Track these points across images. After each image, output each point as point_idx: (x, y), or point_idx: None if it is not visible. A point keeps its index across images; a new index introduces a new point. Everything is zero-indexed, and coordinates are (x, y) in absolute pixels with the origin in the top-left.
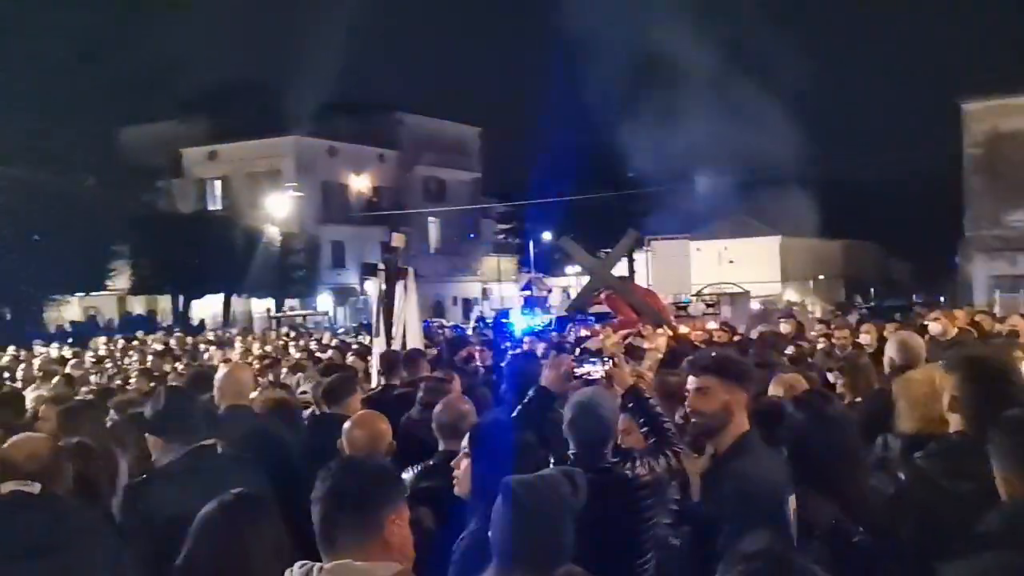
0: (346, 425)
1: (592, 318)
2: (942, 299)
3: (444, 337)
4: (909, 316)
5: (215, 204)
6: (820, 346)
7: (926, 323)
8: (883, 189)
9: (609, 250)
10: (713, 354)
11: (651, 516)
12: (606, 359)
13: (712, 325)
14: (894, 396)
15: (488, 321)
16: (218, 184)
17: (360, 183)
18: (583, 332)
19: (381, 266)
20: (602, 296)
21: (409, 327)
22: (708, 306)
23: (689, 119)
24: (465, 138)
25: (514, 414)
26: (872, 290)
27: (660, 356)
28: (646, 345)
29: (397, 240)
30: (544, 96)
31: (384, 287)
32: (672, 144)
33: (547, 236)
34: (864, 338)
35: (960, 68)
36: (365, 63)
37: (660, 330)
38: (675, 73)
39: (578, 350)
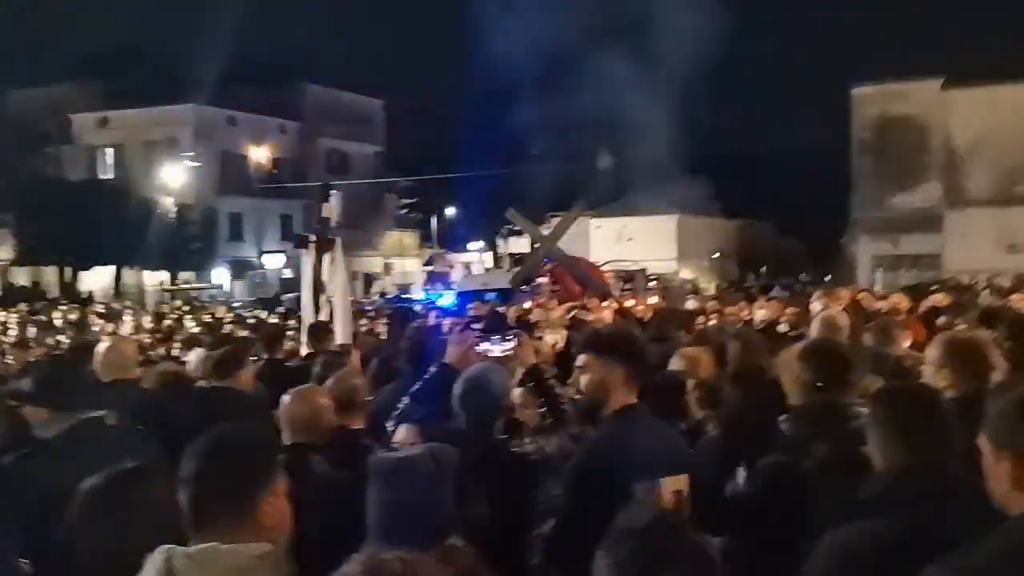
0: (285, 400)
1: (533, 292)
2: (828, 278)
3: (388, 311)
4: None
5: (107, 173)
6: (712, 322)
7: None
8: (778, 170)
9: (511, 226)
10: (592, 331)
11: (539, 493)
12: (509, 337)
13: (653, 299)
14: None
15: (389, 297)
16: (110, 152)
17: (260, 154)
18: (526, 305)
19: (313, 238)
20: (546, 268)
21: (336, 299)
22: (651, 280)
23: (590, 98)
24: (369, 110)
25: (414, 389)
26: (764, 268)
27: (564, 334)
28: (591, 318)
29: (327, 211)
30: (449, 71)
31: (313, 259)
32: (572, 122)
33: (451, 211)
34: (760, 314)
35: (852, 54)
36: (267, 31)
37: (605, 303)
38: (577, 52)
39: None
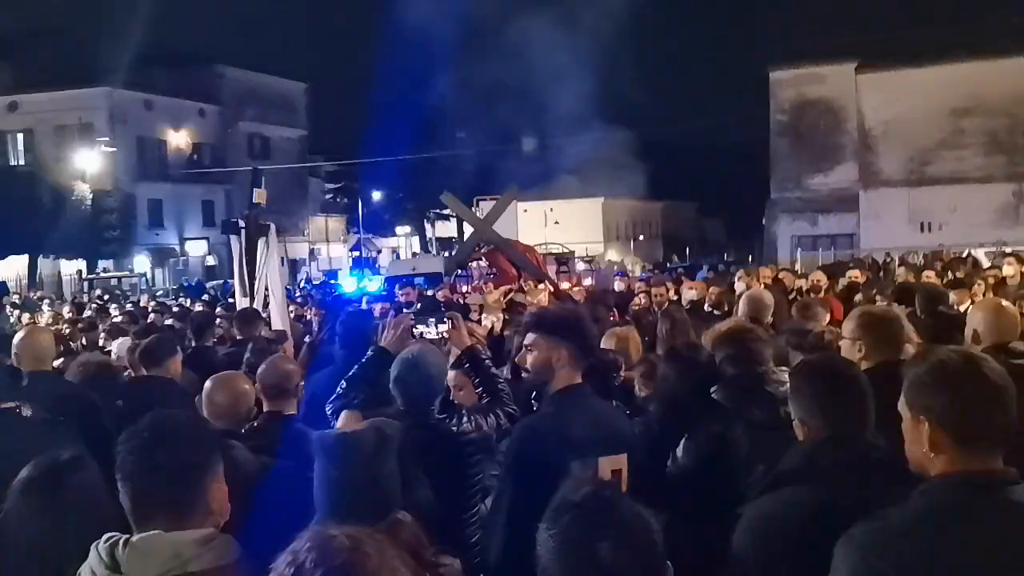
0: (207, 386)
1: (468, 275)
2: (751, 258)
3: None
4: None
5: (18, 159)
6: (640, 302)
7: (733, 281)
8: (700, 153)
9: (438, 211)
10: (539, 311)
11: (477, 472)
12: (445, 319)
13: (589, 281)
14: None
15: (316, 282)
16: (20, 137)
17: (179, 139)
18: (464, 288)
19: (242, 224)
20: (482, 251)
21: (271, 286)
22: (586, 262)
23: (514, 82)
24: (291, 94)
25: (351, 374)
26: (688, 249)
27: (501, 317)
28: (527, 300)
29: (259, 196)
30: (373, 53)
31: (245, 245)
32: (498, 106)
33: (376, 196)
34: (689, 294)
35: (770, 38)
36: (185, 13)
37: (541, 286)
38: (502, 37)
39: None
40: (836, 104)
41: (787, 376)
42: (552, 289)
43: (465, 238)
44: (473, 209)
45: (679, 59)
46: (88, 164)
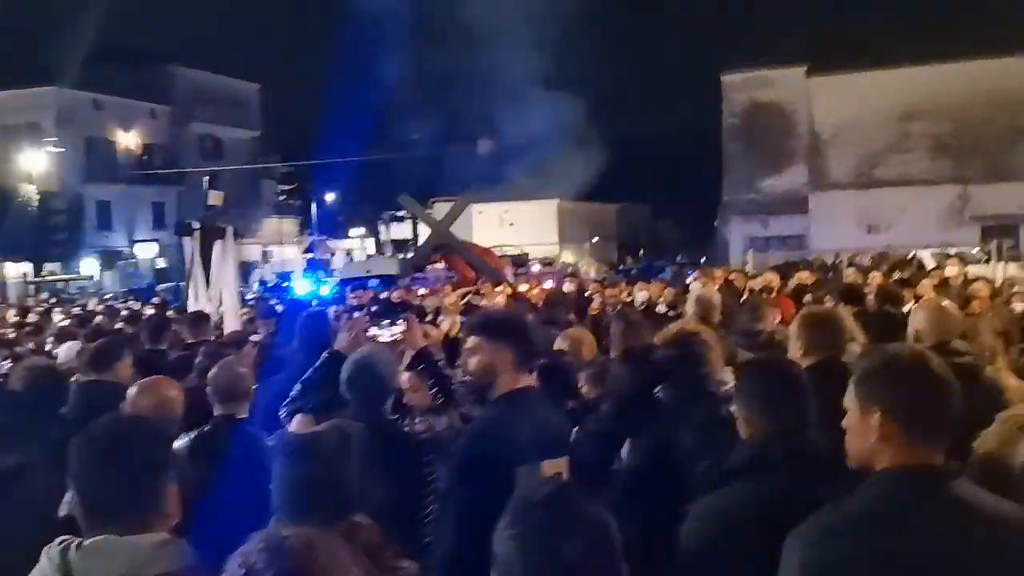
0: (131, 392)
1: (430, 277)
2: (704, 259)
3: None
4: (675, 276)
5: None
6: (596, 305)
7: (687, 282)
8: (652, 155)
9: (393, 212)
10: (482, 314)
11: (430, 472)
12: (398, 321)
13: (549, 283)
14: None
15: (269, 284)
16: None
17: (129, 139)
18: (421, 291)
19: (196, 225)
20: (440, 254)
21: (225, 289)
22: (545, 265)
23: (470, 83)
24: (243, 94)
25: (305, 377)
26: (642, 251)
27: (458, 319)
28: (484, 303)
29: (215, 198)
30: (326, 53)
31: (199, 247)
32: (453, 107)
33: (330, 197)
34: (641, 295)
35: (722, 42)
36: (136, 12)
37: (499, 288)
38: (456, 37)
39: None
40: (787, 107)
41: (730, 376)
42: (510, 292)
43: (420, 240)
44: (428, 211)
45: (633, 62)
46: (35, 165)
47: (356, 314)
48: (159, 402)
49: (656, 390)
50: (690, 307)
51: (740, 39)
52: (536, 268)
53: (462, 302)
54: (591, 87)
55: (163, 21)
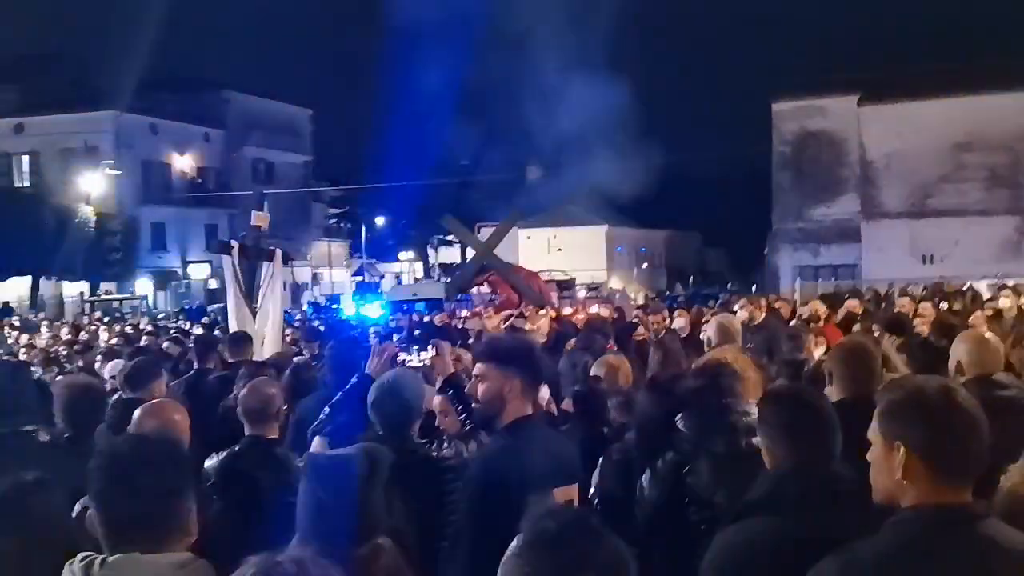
0: (136, 414)
1: (469, 300)
2: (754, 288)
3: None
4: (718, 304)
5: (23, 180)
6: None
7: (734, 309)
8: (703, 182)
9: (442, 236)
10: (490, 340)
11: (455, 498)
12: (429, 347)
13: (595, 308)
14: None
15: (321, 305)
16: (26, 159)
17: (184, 163)
18: (464, 313)
19: (233, 243)
20: (484, 276)
21: (272, 311)
22: (591, 290)
23: (521, 109)
24: (296, 119)
25: (334, 400)
26: (691, 278)
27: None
28: (528, 327)
29: (259, 219)
30: (377, 80)
31: (237, 266)
32: (502, 133)
33: (380, 221)
34: (678, 322)
35: (773, 70)
36: (191, 38)
37: (543, 311)
38: (507, 63)
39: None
40: (838, 136)
41: (753, 407)
42: (554, 315)
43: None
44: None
45: (684, 90)
46: (92, 187)
47: (396, 336)
48: (163, 424)
49: (677, 419)
50: (710, 330)
51: (791, 68)
52: (582, 293)
53: (504, 325)
54: (642, 114)
55: (219, 48)
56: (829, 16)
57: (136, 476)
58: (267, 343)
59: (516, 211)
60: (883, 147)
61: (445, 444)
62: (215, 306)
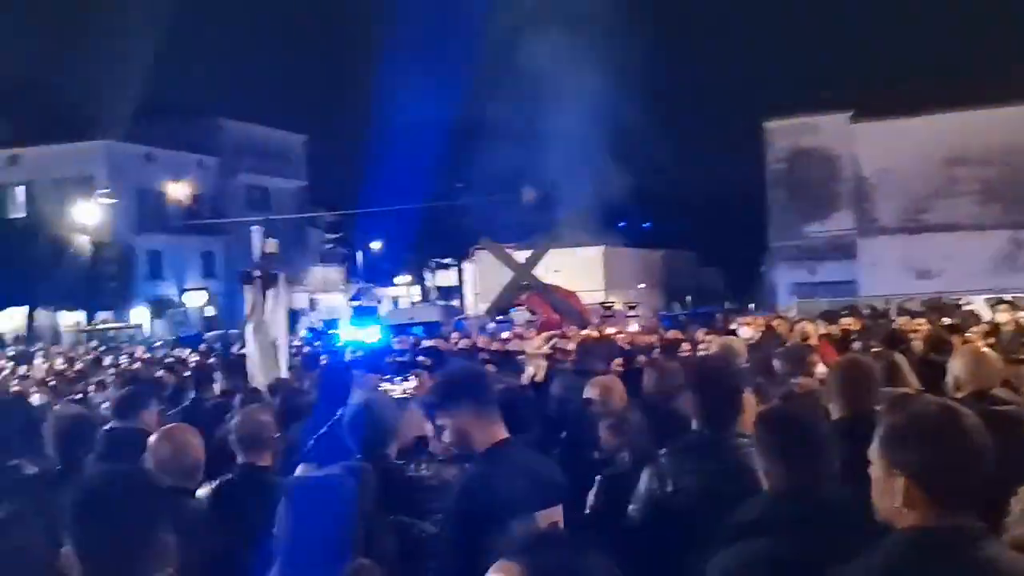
0: (151, 439)
1: (510, 322)
2: (752, 306)
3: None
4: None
5: (17, 211)
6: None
7: (733, 328)
8: (698, 201)
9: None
10: (431, 387)
11: (436, 518)
12: (409, 376)
13: (633, 327)
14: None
15: (318, 330)
16: (21, 190)
17: (178, 190)
18: (504, 335)
19: (258, 273)
20: (523, 297)
21: (278, 336)
22: (631, 308)
23: (513, 132)
24: (289, 145)
25: (321, 432)
26: (688, 297)
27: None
28: (570, 346)
29: (270, 246)
30: (370, 105)
31: (259, 295)
32: (495, 156)
33: (376, 245)
34: (744, 331)
35: (765, 89)
36: (183, 66)
37: (584, 331)
38: (498, 86)
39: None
40: (832, 153)
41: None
42: (598, 334)
43: (467, 287)
44: (472, 259)
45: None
46: (87, 216)
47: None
48: (179, 448)
49: (662, 452)
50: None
51: (784, 85)
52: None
53: (547, 346)
54: (635, 133)
55: (211, 75)
56: (821, 34)
57: (109, 511)
58: (271, 368)
59: (548, 236)
60: (876, 163)
61: (424, 466)
62: (212, 333)
